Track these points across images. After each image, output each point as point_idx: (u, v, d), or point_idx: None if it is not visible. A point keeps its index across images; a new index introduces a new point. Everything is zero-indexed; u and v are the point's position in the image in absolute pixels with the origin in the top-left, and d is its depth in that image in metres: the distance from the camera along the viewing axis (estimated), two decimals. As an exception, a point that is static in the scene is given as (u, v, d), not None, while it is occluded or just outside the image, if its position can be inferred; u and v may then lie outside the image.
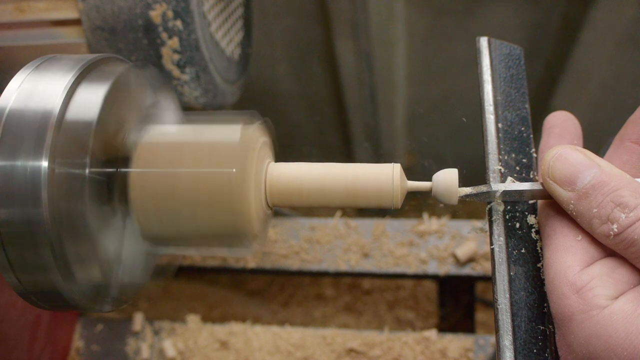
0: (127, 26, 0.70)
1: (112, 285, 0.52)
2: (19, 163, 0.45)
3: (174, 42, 0.71)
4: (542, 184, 0.44)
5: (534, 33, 1.38)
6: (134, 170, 0.51)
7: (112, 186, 0.51)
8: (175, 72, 0.73)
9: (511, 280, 0.44)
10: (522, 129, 0.51)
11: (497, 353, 0.43)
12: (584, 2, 1.26)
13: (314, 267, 1.00)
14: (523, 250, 0.45)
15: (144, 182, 0.51)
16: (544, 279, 0.44)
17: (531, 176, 0.49)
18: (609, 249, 0.41)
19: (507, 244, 0.45)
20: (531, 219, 0.46)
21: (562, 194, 0.41)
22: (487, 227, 0.47)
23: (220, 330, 0.97)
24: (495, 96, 0.52)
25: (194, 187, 0.49)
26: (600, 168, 0.40)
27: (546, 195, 0.43)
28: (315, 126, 1.78)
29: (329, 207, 0.52)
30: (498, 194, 0.45)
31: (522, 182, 0.47)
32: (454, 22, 1.39)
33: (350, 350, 0.92)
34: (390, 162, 0.50)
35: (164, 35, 0.70)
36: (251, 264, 1.02)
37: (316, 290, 1.30)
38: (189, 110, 0.78)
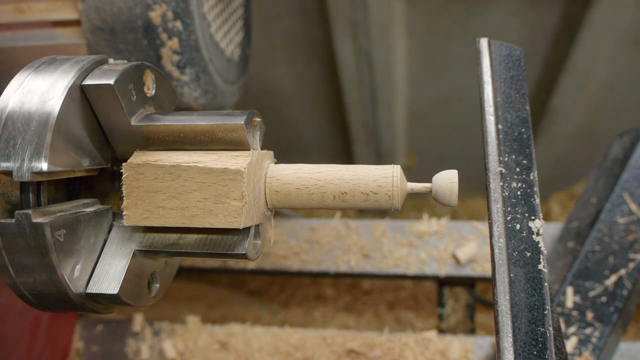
0: (126, 27, 0.69)
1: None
2: (19, 164, 0.45)
3: (174, 43, 0.70)
4: None
5: (534, 33, 1.37)
6: (125, 184, 0.50)
7: (112, 188, 0.50)
8: (175, 73, 0.73)
9: (511, 282, 0.44)
10: (522, 130, 0.51)
11: (497, 354, 0.43)
12: (583, 2, 1.26)
13: (314, 267, 0.99)
14: (524, 252, 0.45)
15: (137, 202, 0.50)
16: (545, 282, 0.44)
17: (531, 177, 0.49)
18: None
19: (507, 245, 0.45)
20: (534, 222, 0.46)
21: None
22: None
23: (220, 331, 0.97)
24: (495, 97, 0.52)
25: (189, 210, 0.49)
26: None
27: None
28: (315, 126, 1.77)
29: (328, 208, 0.52)
30: None
31: (522, 183, 0.47)
32: (454, 22, 1.39)
33: (350, 351, 0.92)
34: (390, 162, 0.50)
35: (164, 36, 0.70)
36: (251, 264, 1.02)
37: (316, 291, 1.30)
38: (188, 111, 0.78)
